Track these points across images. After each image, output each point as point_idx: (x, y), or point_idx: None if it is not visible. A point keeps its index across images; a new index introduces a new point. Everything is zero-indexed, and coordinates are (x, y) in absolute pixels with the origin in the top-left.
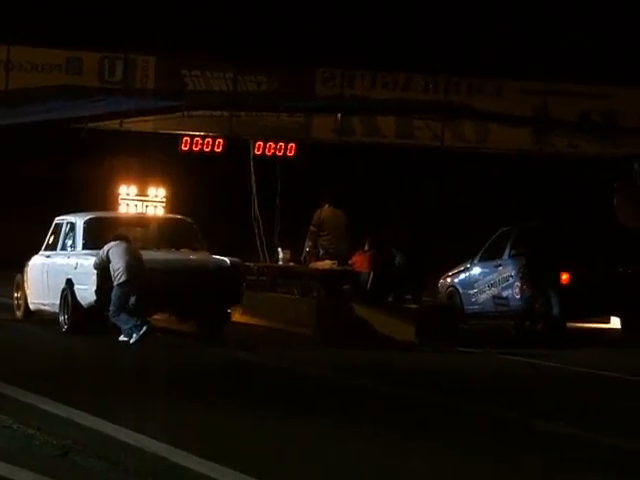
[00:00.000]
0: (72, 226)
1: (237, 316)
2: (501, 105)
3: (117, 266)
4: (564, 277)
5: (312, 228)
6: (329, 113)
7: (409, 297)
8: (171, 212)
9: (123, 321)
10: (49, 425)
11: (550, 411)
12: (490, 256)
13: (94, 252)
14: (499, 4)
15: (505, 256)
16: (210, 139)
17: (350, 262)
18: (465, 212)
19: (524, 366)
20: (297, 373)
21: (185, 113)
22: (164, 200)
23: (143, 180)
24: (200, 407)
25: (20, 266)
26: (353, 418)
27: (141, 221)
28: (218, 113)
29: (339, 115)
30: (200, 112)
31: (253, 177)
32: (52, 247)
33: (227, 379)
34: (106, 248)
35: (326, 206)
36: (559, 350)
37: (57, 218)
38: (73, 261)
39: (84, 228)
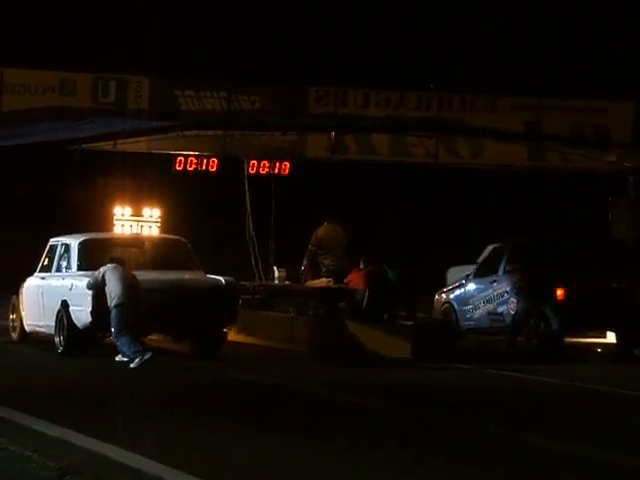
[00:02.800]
0: (67, 247)
1: (233, 335)
2: (494, 121)
3: (112, 289)
4: (560, 292)
5: (310, 247)
6: (323, 131)
7: (403, 314)
8: (166, 232)
9: (125, 344)
10: (45, 447)
11: (542, 426)
12: (485, 272)
13: (89, 273)
14: (491, 20)
15: (500, 272)
16: (204, 159)
17: (346, 280)
18: (459, 228)
19: (520, 381)
20: (291, 390)
21: (179, 133)
22: (159, 220)
23: (138, 200)
24: (196, 426)
25: (13, 287)
26: (344, 434)
27: (136, 242)
28: (212, 133)
29: (333, 133)
30: (194, 132)
31: (248, 196)
32: (47, 269)
33: (222, 398)
34: (102, 270)
35: (325, 224)
36: (555, 365)
37: (52, 240)
38: (68, 282)
39: (79, 249)
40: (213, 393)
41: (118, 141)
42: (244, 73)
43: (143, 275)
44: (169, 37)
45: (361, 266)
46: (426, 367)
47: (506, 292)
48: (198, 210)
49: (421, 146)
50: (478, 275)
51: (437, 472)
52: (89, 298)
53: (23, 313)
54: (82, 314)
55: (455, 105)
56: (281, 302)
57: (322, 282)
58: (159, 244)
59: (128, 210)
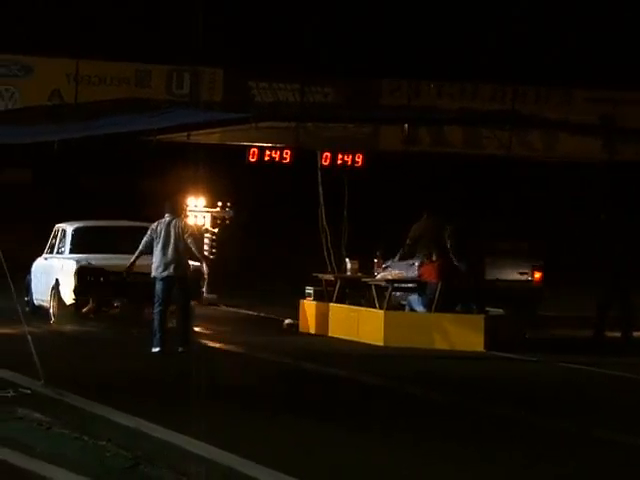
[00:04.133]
0: (64, 232)
1: (305, 326)
2: (569, 113)
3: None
4: None
5: (408, 241)
6: (396, 124)
7: (474, 307)
8: (238, 224)
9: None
10: (119, 437)
11: (612, 421)
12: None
13: (78, 256)
14: (566, 12)
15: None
16: (278, 150)
17: (418, 272)
18: (530, 220)
19: (594, 375)
20: (362, 383)
21: (253, 125)
22: (231, 211)
23: (211, 192)
24: (267, 418)
25: None
26: (411, 429)
27: (123, 229)
28: (285, 124)
29: (406, 125)
30: (267, 123)
31: (320, 188)
32: (50, 251)
33: (293, 390)
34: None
35: (424, 217)
36: (631, 358)
37: (56, 225)
38: (60, 263)
39: (72, 235)
40: (281, 385)
41: (192, 133)
42: (318, 65)
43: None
44: (244, 29)
45: (433, 258)
46: (499, 360)
47: None
48: (271, 201)
49: (494, 138)
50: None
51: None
52: (73, 278)
53: (33, 289)
54: (67, 291)
55: (530, 97)
56: (353, 294)
57: (394, 274)
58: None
59: (202, 201)
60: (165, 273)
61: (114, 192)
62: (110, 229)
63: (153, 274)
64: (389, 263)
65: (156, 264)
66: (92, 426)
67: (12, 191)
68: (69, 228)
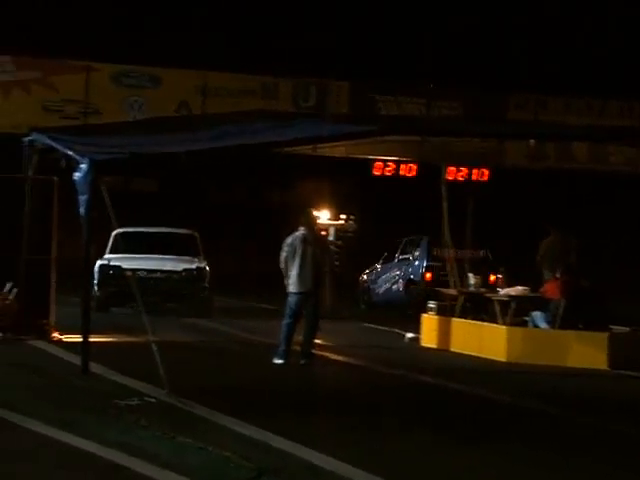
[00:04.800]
0: (110, 236)
1: (427, 341)
2: None
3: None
4: None
5: (537, 257)
6: (522, 139)
7: (598, 324)
8: (361, 237)
9: (281, 333)
10: (243, 447)
11: None
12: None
13: (114, 256)
14: None
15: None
16: (403, 164)
17: (541, 289)
18: None
19: None
20: (484, 398)
21: (379, 138)
22: (355, 224)
23: (334, 204)
24: (389, 432)
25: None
26: (539, 448)
27: (159, 234)
28: (410, 138)
29: (532, 141)
30: (393, 137)
31: (445, 202)
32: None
33: (414, 404)
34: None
35: (552, 234)
36: None
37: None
38: (99, 262)
39: (113, 238)
40: (403, 399)
41: (318, 145)
42: (443, 80)
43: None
44: (369, 42)
45: (557, 275)
46: (623, 378)
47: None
48: (394, 214)
49: (620, 154)
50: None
51: None
52: (97, 275)
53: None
54: (95, 287)
55: None
56: (475, 309)
57: (518, 290)
58: (173, 236)
59: (325, 213)
60: (301, 288)
61: (239, 203)
62: (147, 234)
63: (290, 289)
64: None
65: (292, 279)
66: (216, 436)
67: (139, 200)
68: (113, 233)
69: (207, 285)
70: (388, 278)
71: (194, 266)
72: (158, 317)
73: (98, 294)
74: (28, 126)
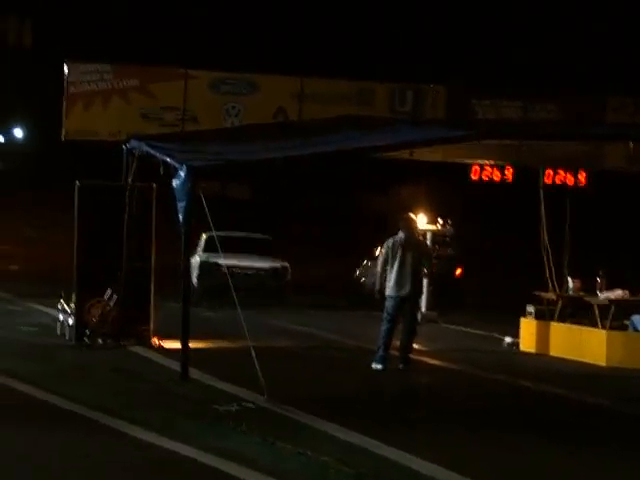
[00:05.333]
0: (200, 238)
1: (526, 345)
2: None
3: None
4: None
5: None
6: (621, 141)
7: None
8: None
9: (380, 338)
10: (342, 453)
11: None
12: None
13: (209, 254)
14: None
15: None
16: (500, 167)
17: None
18: None
19: None
20: (583, 402)
21: (476, 142)
22: (452, 229)
23: (432, 208)
24: (489, 436)
25: None
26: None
27: (241, 238)
28: (508, 141)
29: (631, 143)
30: (490, 141)
31: (542, 206)
32: (194, 252)
33: (514, 408)
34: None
35: None
36: None
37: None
38: (195, 259)
39: (204, 240)
40: (502, 403)
41: (415, 150)
42: (540, 83)
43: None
44: (467, 47)
45: None
46: None
47: None
48: (492, 218)
49: None
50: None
51: None
52: (196, 271)
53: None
54: (195, 281)
55: None
56: (575, 313)
57: (617, 294)
58: (251, 240)
59: (423, 218)
60: (400, 292)
61: (335, 209)
62: (232, 238)
63: (388, 292)
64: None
65: (391, 282)
66: (315, 442)
67: (233, 206)
68: (204, 235)
69: (288, 280)
70: None
71: (278, 264)
72: (251, 316)
73: (198, 287)
74: (127, 134)
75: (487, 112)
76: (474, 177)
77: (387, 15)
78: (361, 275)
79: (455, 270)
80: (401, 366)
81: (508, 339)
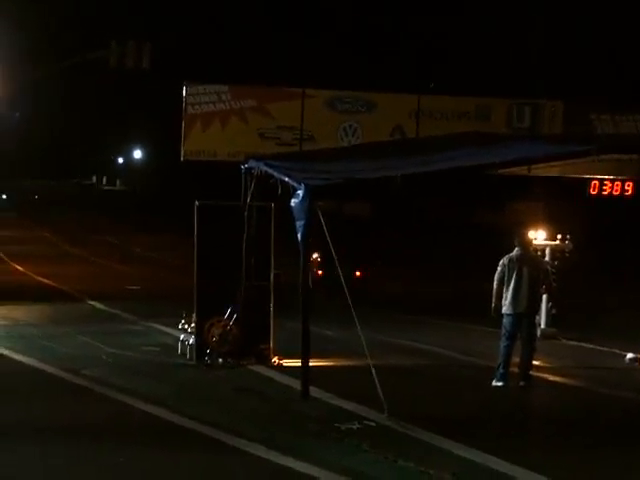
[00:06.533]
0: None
1: None
2: None
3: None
4: None
5: None
6: None
7: None
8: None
9: (499, 355)
10: (465, 471)
11: None
12: None
13: None
14: None
15: None
16: (620, 182)
17: None
18: None
19: None
20: None
21: (595, 157)
22: (571, 244)
23: (550, 224)
24: (611, 456)
25: None
26: None
27: None
28: (627, 156)
29: None
30: (609, 156)
31: None
32: None
33: (636, 426)
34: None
35: None
36: None
37: None
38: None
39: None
40: (624, 421)
41: (532, 166)
42: None
43: None
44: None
45: None
46: None
47: None
48: (612, 234)
49: None
50: None
51: None
52: None
53: None
54: None
55: None
56: None
57: None
58: None
59: (541, 234)
60: (518, 309)
61: (454, 224)
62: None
63: (505, 309)
64: None
65: (508, 299)
66: (437, 459)
67: (351, 225)
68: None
69: None
70: None
71: None
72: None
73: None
74: (245, 153)
75: (606, 127)
76: (593, 192)
77: (502, 31)
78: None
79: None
80: (522, 383)
81: (630, 355)
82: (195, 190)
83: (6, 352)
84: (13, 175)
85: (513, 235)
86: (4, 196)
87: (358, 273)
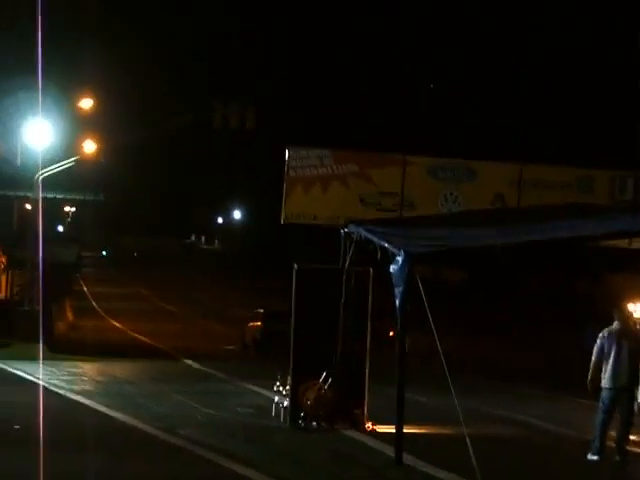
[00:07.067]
0: None
1: None
2: None
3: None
4: None
5: None
6: None
7: None
8: None
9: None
10: None
11: None
12: None
13: None
14: None
15: None
16: None
17: None
18: None
19: None
20: None
21: None
22: None
23: None
24: None
25: None
26: None
27: None
28: None
29: None
30: None
31: None
32: None
33: None
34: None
35: None
36: None
37: None
38: None
39: None
40: None
41: (634, 239)
42: None
43: None
44: None
45: None
46: None
47: None
48: None
49: None
50: None
51: None
52: None
53: None
54: None
55: None
56: None
57: None
58: None
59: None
60: (617, 383)
61: (551, 293)
62: None
63: (604, 383)
64: None
65: (608, 373)
66: None
67: (447, 290)
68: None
69: None
70: None
71: None
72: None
73: None
74: (346, 218)
75: None
76: None
77: (604, 102)
78: None
79: None
80: (618, 458)
81: None
82: (294, 252)
83: (103, 409)
84: (118, 232)
85: (612, 308)
86: (104, 252)
87: (391, 333)
